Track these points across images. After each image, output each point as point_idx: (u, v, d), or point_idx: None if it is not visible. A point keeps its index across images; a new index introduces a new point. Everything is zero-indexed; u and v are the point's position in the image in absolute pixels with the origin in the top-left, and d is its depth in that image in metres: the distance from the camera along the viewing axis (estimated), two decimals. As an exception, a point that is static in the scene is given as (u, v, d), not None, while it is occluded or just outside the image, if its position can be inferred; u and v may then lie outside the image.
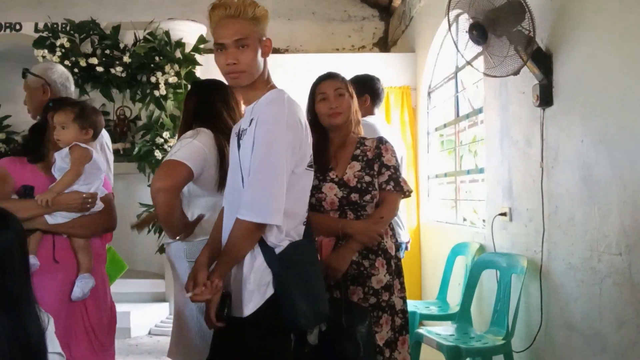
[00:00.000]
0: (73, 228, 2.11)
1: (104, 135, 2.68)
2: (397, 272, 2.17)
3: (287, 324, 1.67)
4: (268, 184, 1.63)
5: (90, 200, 2.10)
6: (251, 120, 1.72)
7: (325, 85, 2.19)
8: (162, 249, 4.23)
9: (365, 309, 2.05)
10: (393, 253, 2.17)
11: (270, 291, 1.67)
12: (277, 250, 1.68)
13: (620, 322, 2.07)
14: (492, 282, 3.04)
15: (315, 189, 2.10)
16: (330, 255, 2.05)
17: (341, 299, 2.00)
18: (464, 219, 4.02)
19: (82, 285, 2.08)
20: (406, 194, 2.22)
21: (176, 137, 3.88)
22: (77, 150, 2.10)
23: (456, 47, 2.46)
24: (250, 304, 1.69)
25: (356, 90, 2.33)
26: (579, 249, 2.35)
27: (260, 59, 1.73)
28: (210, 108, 2.28)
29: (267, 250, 1.68)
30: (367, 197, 2.11)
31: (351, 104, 2.20)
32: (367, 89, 3.07)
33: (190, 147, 2.07)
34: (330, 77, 2.23)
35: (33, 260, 2.01)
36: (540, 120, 2.64)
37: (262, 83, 1.77)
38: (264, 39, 1.75)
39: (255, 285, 1.68)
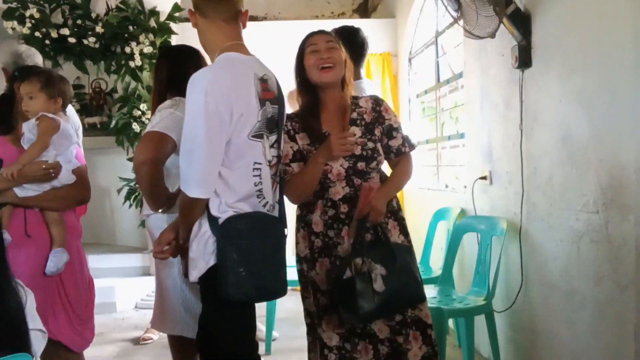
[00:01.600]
0: (44, 201, 2.07)
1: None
2: (405, 232, 2.14)
3: (221, 294, 1.66)
4: (191, 155, 1.62)
5: (52, 170, 2.04)
6: None
7: (317, 38, 2.04)
8: (143, 223, 4.20)
9: (408, 246, 2.08)
10: (401, 214, 2.15)
11: (213, 260, 1.68)
12: (220, 220, 1.68)
13: (598, 278, 2.11)
14: (473, 245, 3.08)
15: None
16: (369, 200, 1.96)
17: (386, 242, 1.97)
18: (446, 186, 4.04)
19: (56, 260, 2.05)
20: (415, 147, 2.20)
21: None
22: (44, 120, 2.04)
23: (443, 3, 2.41)
24: (194, 270, 1.71)
25: None
26: (557, 209, 2.38)
27: (198, 31, 1.77)
28: (185, 75, 2.21)
29: (212, 220, 1.69)
30: (373, 164, 2.03)
31: (344, 59, 2.03)
32: (345, 45, 2.61)
33: (172, 118, 2.02)
34: (322, 31, 2.09)
35: (4, 235, 1.97)
36: (520, 82, 2.63)
37: (211, 47, 1.76)
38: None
39: (199, 253, 1.70)
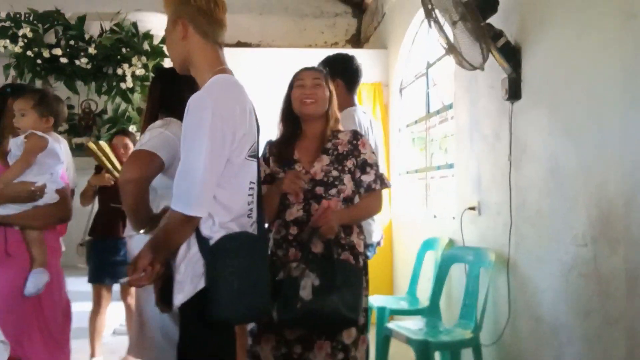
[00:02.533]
0: (25, 219, 2.03)
1: None
2: (363, 269, 2.14)
3: (211, 316, 1.61)
4: (190, 174, 1.59)
5: (38, 192, 2.02)
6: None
7: (305, 74, 2.17)
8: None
9: (359, 269, 2.06)
10: (361, 250, 2.13)
11: (202, 283, 1.62)
12: (211, 241, 1.64)
13: (586, 313, 2.08)
14: (461, 276, 3.04)
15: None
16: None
17: (330, 257, 1.96)
18: (435, 216, 4.02)
19: (36, 281, 1.99)
20: (389, 186, 2.20)
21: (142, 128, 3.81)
22: (32, 139, 2.02)
23: (440, 27, 2.43)
24: (180, 294, 1.64)
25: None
26: (546, 241, 2.36)
27: (183, 43, 1.73)
28: (178, 96, 2.19)
29: (202, 241, 1.64)
30: (333, 190, 2.08)
31: (328, 97, 2.15)
32: (339, 72, 2.62)
33: (161, 138, 1.98)
34: (312, 68, 2.21)
35: None
36: (509, 113, 2.65)
37: (204, 67, 1.71)
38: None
39: (188, 276, 1.63)
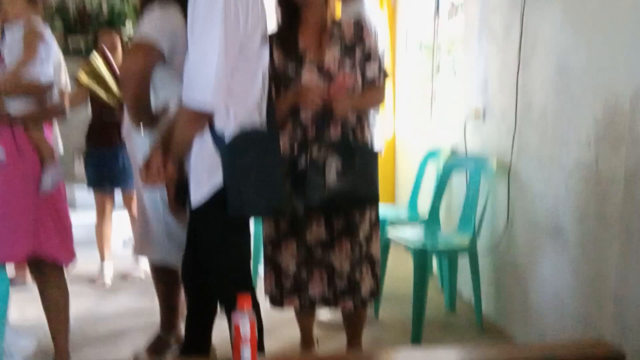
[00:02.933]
0: (32, 119, 2.03)
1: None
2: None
3: (232, 212, 1.57)
4: (203, 63, 1.46)
5: (47, 90, 2.03)
6: None
7: None
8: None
9: (375, 152, 2.01)
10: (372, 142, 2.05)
11: (218, 179, 1.56)
12: (226, 137, 1.55)
13: (583, 216, 1.99)
14: (462, 186, 2.95)
15: (295, 77, 1.90)
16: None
17: (347, 140, 1.91)
18: (438, 126, 3.87)
19: (53, 177, 2.01)
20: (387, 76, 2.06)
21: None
22: (30, 35, 1.98)
23: None
24: (198, 193, 1.58)
25: None
26: (549, 146, 2.23)
27: None
28: None
29: (216, 136, 1.55)
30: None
31: None
32: None
33: (161, 24, 1.84)
34: None
35: (0, 154, 1.94)
36: (521, 7, 2.42)
37: None
38: None
39: (205, 172, 1.57)
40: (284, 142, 1.91)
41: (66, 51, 3.83)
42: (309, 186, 1.81)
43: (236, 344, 1.04)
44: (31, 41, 1.97)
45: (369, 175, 1.90)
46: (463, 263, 2.85)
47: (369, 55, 1.96)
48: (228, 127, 1.54)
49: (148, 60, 1.81)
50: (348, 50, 1.93)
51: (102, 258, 3.46)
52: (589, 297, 1.96)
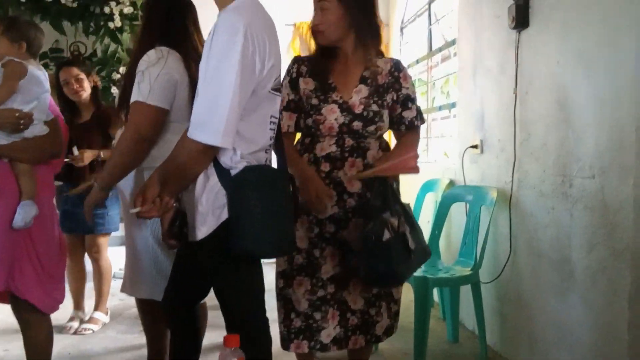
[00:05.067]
0: (14, 151, 1.95)
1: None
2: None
3: (236, 251, 1.55)
4: (217, 100, 1.46)
5: (24, 119, 1.93)
6: (211, 31, 1.52)
7: None
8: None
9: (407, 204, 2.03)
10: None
11: (225, 215, 1.55)
12: (233, 172, 1.54)
13: (591, 246, 2.03)
14: (462, 217, 2.99)
15: (314, 110, 1.91)
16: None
17: (398, 200, 1.94)
18: (435, 160, 3.94)
19: (24, 213, 1.93)
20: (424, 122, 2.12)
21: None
22: (9, 65, 1.92)
23: None
24: (204, 227, 1.56)
25: None
26: (551, 175, 2.29)
27: None
28: (181, 27, 1.99)
29: (222, 171, 1.55)
30: (372, 127, 1.92)
31: (340, 17, 1.87)
32: None
33: (164, 81, 1.85)
34: None
35: None
36: (516, 44, 2.52)
37: None
38: None
39: (209, 207, 1.55)
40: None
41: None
42: (396, 258, 1.81)
43: None
44: (8, 75, 1.92)
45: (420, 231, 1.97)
46: (465, 293, 2.86)
47: (407, 98, 1.98)
48: (235, 164, 1.55)
49: (158, 126, 1.85)
50: (379, 93, 1.94)
51: (76, 306, 3.23)
52: (601, 326, 1.98)
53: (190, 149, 1.50)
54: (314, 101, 1.92)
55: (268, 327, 1.69)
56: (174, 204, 1.62)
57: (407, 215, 1.89)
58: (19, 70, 1.91)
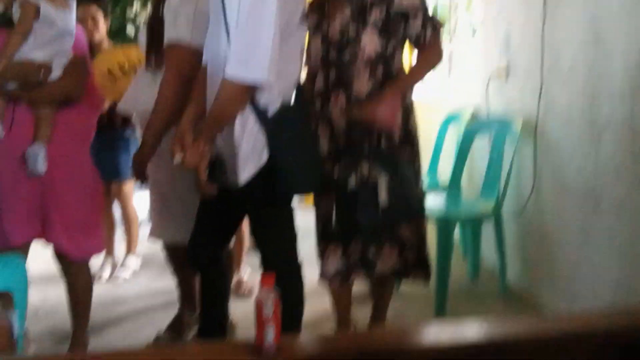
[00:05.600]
0: (31, 94, 1.88)
1: None
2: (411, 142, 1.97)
3: (281, 190, 1.55)
4: (258, 35, 1.39)
5: (44, 70, 1.86)
6: None
7: None
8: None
9: (412, 157, 1.92)
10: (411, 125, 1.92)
11: (265, 157, 1.51)
12: (270, 112, 1.49)
13: (617, 175, 1.86)
14: (484, 150, 2.83)
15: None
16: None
17: (391, 149, 1.82)
18: (458, 88, 3.72)
19: (31, 157, 1.86)
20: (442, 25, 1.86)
21: (148, 5, 3.41)
22: (24, 5, 1.83)
23: None
24: (245, 171, 1.52)
25: None
26: (579, 100, 2.10)
27: None
28: None
29: (259, 112, 1.49)
30: (347, 56, 1.75)
31: None
32: None
33: (191, 17, 1.72)
34: None
35: None
36: (545, -46, 2.26)
37: None
38: None
39: (250, 151, 1.51)
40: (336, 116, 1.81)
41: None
42: (361, 209, 1.72)
43: (259, 323, 0.96)
44: (21, 17, 1.83)
45: (413, 185, 1.83)
46: (486, 230, 2.75)
47: (403, 13, 1.75)
48: (273, 102, 1.49)
49: (185, 65, 1.73)
50: (361, 12, 1.74)
51: (108, 252, 3.21)
52: (624, 260, 1.85)
53: (230, 89, 1.44)
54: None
55: (302, 269, 1.69)
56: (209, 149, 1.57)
57: (392, 163, 1.75)
58: (31, 10, 1.82)
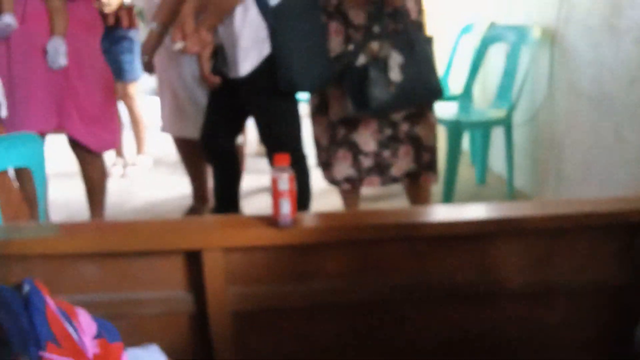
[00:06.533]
0: None
1: None
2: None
3: (283, 84, 1.54)
4: None
5: None
6: None
7: None
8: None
9: (429, 37, 1.87)
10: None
11: (267, 49, 1.50)
12: (272, 2, 1.47)
13: (632, 79, 1.89)
14: (499, 61, 2.81)
15: None
16: None
17: (405, 28, 1.75)
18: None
19: (52, 50, 1.91)
20: None
21: None
22: None
23: None
24: (246, 62, 1.54)
25: None
26: (600, 6, 2.07)
27: None
28: None
29: (261, 2, 1.47)
30: None
31: None
32: None
33: None
34: None
35: (9, 19, 1.85)
36: None
37: None
38: None
39: (250, 42, 1.51)
40: (333, 39, 1.75)
41: None
42: (372, 85, 1.66)
43: (275, 197, 1.02)
44: None
45: (431, 65, 1.77)
46: (496, 138, 2.78)
47: None
48: None
49: None
50: None
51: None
52: (634, 162, 1.92)
53: None
54: None
55: (307, 159, 1.72)
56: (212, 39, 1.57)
57: (405, 46, 1.71)
58: None
